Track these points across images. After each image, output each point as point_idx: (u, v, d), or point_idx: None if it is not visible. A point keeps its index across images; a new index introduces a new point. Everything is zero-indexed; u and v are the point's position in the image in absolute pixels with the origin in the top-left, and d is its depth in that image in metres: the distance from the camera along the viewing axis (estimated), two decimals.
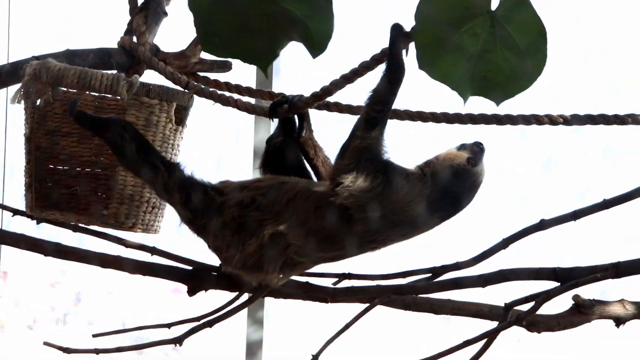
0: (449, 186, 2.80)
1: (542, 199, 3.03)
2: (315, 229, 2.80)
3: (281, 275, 2.92)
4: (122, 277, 3.15)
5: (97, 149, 3.18)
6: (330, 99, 3.11)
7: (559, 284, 2.74)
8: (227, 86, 3.28)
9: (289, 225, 2.81)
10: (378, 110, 2.61)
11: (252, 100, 3.99)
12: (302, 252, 2.83)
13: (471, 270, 2.96)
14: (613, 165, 3.84)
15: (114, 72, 3.18)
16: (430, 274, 3.03)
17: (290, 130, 3.04)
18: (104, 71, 3.14)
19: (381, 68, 2.52)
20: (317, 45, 2.28)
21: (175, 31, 3.50)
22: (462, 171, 2.81)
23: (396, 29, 2.63)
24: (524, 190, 2.96)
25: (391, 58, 2.48)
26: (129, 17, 3.41)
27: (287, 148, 3.04)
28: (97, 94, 3.19)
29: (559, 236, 3.06)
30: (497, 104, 2.20)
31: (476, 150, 2.83)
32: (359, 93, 2.93)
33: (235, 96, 3.24)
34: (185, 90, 3.19)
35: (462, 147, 2.88)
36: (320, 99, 2.78)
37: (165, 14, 3.42)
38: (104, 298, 5.56)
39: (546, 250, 3.47)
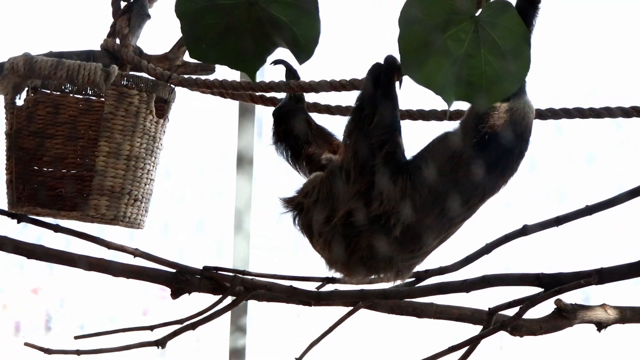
0: (482, 139, 2.64)
1: (526, 203, 3.03)
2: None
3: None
4: (109, 279, 3.14)
5: (82, 150, 3.17)
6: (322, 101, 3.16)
7: (542, 289, 2.74)
8: (209, 85, 3.27)
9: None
10: None
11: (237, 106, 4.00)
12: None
13: (455, 275, 2.96)
14: (596, 170, 3.85)
15: (92, 63, 3.18)
16: (414, 279, 3.03)
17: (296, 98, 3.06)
18: (81, 62, 3.13)
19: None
20: (304, 51, 2.28)
21: (159, 34, 3.50)
22: (492, 113, 2.62)
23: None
24: (509, 195, 2.96)
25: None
26: (112, 20, 3.41)
27: (296, 114, 3.04)
28: (81, 96, 3.19)
29: (543, 241, 3.06)
30: (481, 108, 2.20)
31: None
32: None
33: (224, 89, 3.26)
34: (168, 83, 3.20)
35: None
36: None
37: (149, 16, 3.42)
38: (89, 301, 5.54)
39: (530, 255, 3.48)
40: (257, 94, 3.36)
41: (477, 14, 2.00)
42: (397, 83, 2.75)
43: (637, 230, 3.97)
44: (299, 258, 4.70)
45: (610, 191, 2.69)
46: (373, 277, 2.92)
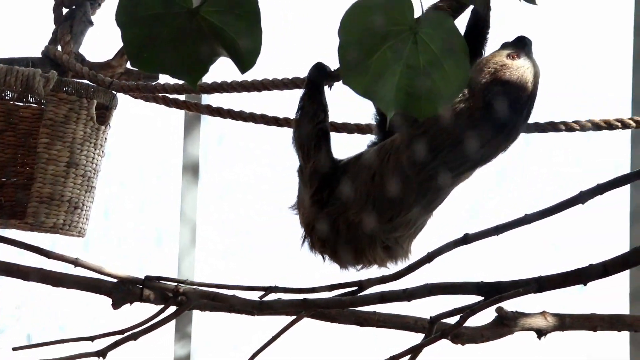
0: (495, 91, 2.60)
1: (466, 212, 3.06)
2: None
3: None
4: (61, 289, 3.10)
5: (22, 158, 3.14)
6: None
7: (482, 298, 2.76)
8: (155, 98, 3.26)
9: None
10: None
11: (182, 115, 3.98)
12: None
13: (397, 284, 2.97)
14: (535, 180, 3.90)
15: (31, 69, 3.15)
16: (357, 287, 3.04)
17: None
18: (20, 67, 3.10)
19: None
20: (246, 61, 2.28)
21: (103, 40, 3.48)
22: (503, 69, 2.64)
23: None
24: (449, 203, 2.99)
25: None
26: (53, 26, 3.38)
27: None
28: (22, 103, 3.15)
29: (483, 250, 3.09)
30: (420, 119, 2.22)
31: (518, 44, 2.66)
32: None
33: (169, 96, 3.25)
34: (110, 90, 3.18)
35: (503, 46, 2.71)
36: None
37: (91, 23, 3.39)
38: (42, 311, 5.46)
39: (471, 264, 3.51)
40: (204, 103, 3.35)
41: (416, 26, 2.01)
42: (327, 87, 2.82)
43: (573, 239, 4.03)
44: (246, 267, 4.69)
45: (547, 201, 2.72)
46: (363, 261, 2.90)
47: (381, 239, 2.81)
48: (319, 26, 4.11)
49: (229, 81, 3.24)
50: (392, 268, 2.92)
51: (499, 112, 2.60)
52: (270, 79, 3.21)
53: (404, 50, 2.00)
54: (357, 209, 2.77)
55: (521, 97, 2.62)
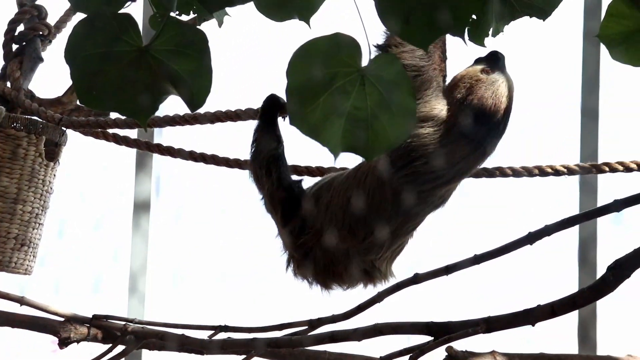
0: (470, 107, 2.58)
1: (417, 253, 3.07)
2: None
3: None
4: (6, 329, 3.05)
5: None
6: None
7: (432, 338, 2.77)
8: (105, 134, 3.24)
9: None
10: None
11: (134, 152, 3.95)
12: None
13: (347, 323, 2.96)
14: (485, 220, 3.93)
15: None
16: (307, 327, 3.03)
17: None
18: None
19: None
20: (195, 100, 2.28)
21: (54, 77, 3.46)
22: (478, 84, 2.63)
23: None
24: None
25: None
26: (2, 62, 3.36)
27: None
28: None
29: (433, 290, 3.10)
30: (368, 160, 2.23)
31: (491, 59, 2.65)
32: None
33: (115, 131, 3.22)
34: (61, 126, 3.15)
35: (476, 61, 2.70)
36: None
37: (41, 59, 3.37)
38: None
39: (421, 303, 3.52)
40: (156, 137, 3.34)
41: (363, 68, 2.02)
42: (281, 118, 2.85)
43: (522, 280, 4.06)
44: (195, 307, 4.66)
45: (498, 240, 2.74)
46: (345, 284, 2.87)
47: (358, 263, 2.80)
48: (271, 57, 4.13)
49: (181, 114, 3.24)
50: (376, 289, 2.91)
51: (475, 127, 2.59)
52: (224, 110, 3.21)
53: (351, 92, 2.01)
54: (332, 232, 2.76)
55: (497, 111, 2.62)
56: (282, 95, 2.94)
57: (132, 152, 4.36)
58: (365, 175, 2.70)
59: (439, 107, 2.61)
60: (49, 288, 4.45)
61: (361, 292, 2.99)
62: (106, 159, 4.58)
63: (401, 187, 2.64)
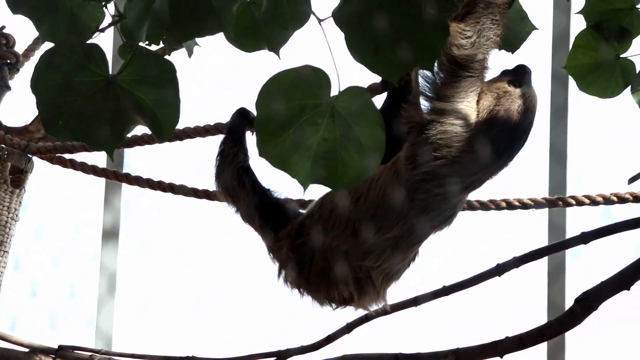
0: (497, 118, 2.56)
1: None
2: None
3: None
4: None
5: None
6: None
7: None
8: (72, 163, 3.22)
9: None
10: None
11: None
12: None
13: (316, 354, 2.95)
14: (455, 251, 3.94)
15: None
16: (275, 357, 3.01)
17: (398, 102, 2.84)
18: None
19: None
20: (164, 130, 2.26)
21: (20, 105, 3.43)
22: (506, 96, 2.61)
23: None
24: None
25: None
26: None
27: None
28: None
29: (402, 321, 3.09)
30: (336, 191, 2.23)
31: (518, 72, 2.65)
32: None
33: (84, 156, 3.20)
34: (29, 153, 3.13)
35: (503, 73, 2.70)
36: None
37: (9, 88, 3.35)
38: None
39: (390, 334, 3.51)
40: (123, 172, 3.32)
41: (333, 99, 2.02)
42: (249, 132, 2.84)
43: (491, 311, 4.07)
44: (163, 338, 4.62)
45: (466, 272, 2.75)
46: (335, 294, 2.80)
47: (353, 268, 2.72)
48: (243, 86, 4.13)
49: (149, 132, 3.21)
50: (369, 308, 2.83)
51: (499, 139, 2.57)
52: (192, 126, 3.19)
53: (320, 124, 2.01)
54: (335, 232, 2.69)
55: (522, 124, 2.61)
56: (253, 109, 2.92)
57: (100, 180, 4.33)
58: (381, 173, 2.65)
59: (472, 112, 2.60)
60: (6, 322, 4.39)
61: (332, 322, 2.97)
62: (72, 187, 4.55)
63: (416, 186, 2.60)
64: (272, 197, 2.84)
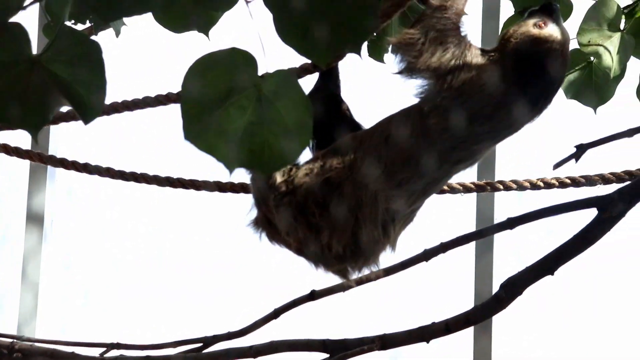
0: (523, 63, 2.48)
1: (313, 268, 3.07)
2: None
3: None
4: None
5: None
6: None
7: (328, 355, 2.76)
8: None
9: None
10: None
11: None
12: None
13: (243, 340, 2.94)
14: None
15: None
16: (202, 344, 2.98)
17: (330, 82, 2.90)
18: None
19: None
20: (89, 112, 2.22)
21: None
22: (530, 40, 2.52)
23: None
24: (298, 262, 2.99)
25: None
26: None
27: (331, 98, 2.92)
28: None
29: (330, 307, 3.09)
30: (263, 175, 2.21)
31: (545, 10, 2.54)
32: None
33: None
34: None
35: (529, 14, 2.58)
36: None
37: None
38: None
39: (318, 320, 3.51)
40: (49, 154, 3.25)
41: (260, 83, 2.00)
42: None
43: (419, 296, 4.10)
44: (90, 319, 4.57)
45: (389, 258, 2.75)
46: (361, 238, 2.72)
47: (382, 212, 2.64)
48: (171, 67, 4.09)
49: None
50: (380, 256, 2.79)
51: (532, 86, 2.49)
52: (141, 97, 3.10)
53: (247, 108, 1.99)
54: (369, 170, 2.59)
55: (552, 68, 2.52)
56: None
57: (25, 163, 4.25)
58: (407, 120, 2.58)
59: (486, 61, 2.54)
60: None
61: (259, 308, 2.96)
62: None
63: (452, 142, 2.56)
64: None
